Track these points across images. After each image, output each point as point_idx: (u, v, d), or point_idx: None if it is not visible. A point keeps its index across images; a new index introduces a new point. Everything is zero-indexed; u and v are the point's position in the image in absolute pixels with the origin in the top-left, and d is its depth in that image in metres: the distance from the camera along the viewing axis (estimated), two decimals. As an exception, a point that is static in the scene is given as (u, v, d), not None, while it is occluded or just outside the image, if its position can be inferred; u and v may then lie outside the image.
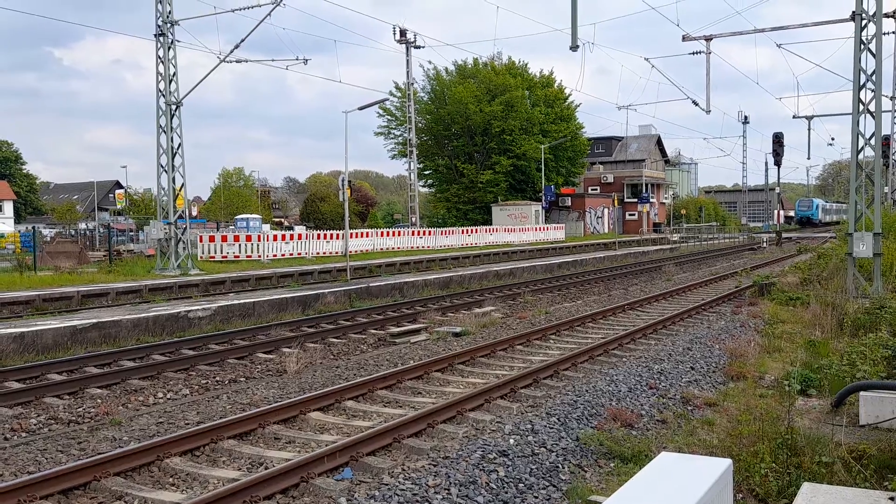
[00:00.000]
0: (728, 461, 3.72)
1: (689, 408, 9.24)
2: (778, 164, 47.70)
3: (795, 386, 9.49)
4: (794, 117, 41.59)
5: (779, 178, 57.27)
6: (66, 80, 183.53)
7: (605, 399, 9.21)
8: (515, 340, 13.58)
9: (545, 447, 7.41)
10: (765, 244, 50.64)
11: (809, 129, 47.31)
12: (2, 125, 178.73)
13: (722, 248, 48.72)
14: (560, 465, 7.10)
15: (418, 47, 45.07)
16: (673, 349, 12.51)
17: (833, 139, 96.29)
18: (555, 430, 7.93)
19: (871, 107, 17.90)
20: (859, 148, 18.09)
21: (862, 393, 8.19)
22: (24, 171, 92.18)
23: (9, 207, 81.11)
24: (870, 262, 18.07)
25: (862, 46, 17.78)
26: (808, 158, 76.26)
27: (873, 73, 17.78)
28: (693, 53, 25.06)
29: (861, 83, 17.89)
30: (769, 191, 76.07)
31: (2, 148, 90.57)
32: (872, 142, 18.02)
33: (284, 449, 7.80)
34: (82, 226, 65.49)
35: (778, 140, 44.80)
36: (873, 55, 17.75)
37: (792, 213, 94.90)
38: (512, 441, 7.47)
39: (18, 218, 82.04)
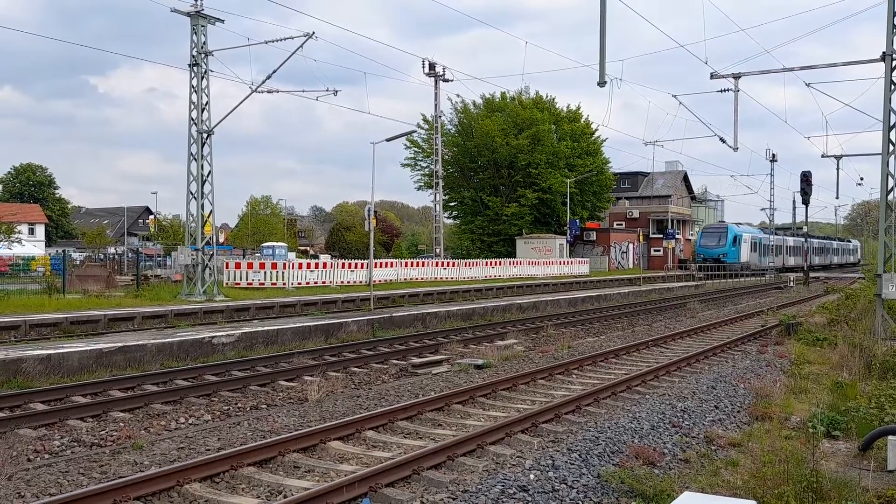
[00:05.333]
0: (752, 503, 3.67)
1: (713, 447, 9.11)
2: (806, 202, 47.37)
3: (821, 428, 9.34)
4: (822, 156, 41.40)
5: (806, 217, 56.81)
6: (100, 107, 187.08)
7: (628, 436, 9.11)
8: (537, 374, 13.50)
9: (566, 483, 7.33)
10: (791, 283, 50.09)
11: (838, 169, 46.70)
12: (38, 151, 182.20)
13: (748, 286, 48.21)
14: (580, 503, 7.02)
15: (447, 80, 45.53)
16: (697, 387, 12.37)
17: (862, 179, 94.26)
18: (576, 466, 7.86)
19: (902, 147, 17.76)
20: (889, 188, 17.93)
21: (890, 437, 8.03)
22: (57, 196, 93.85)
23: (40, 231, 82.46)
24: (899, 304, 17.81)
25: (892, 87, 17.71)
26: (837, 198, 72.21)
27: (903, 113, 17.67)
28: (721, 91, 25.00)
29: (891, 123, 17.79)
30: (797, 230, 74.48)
31: (36, 172, 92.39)
32: (902, 182, 17.85)
33: (304, 478, 7.80)
34: (111, 250, 66.36)
35: (806, 179, 44.53)
36: (903, 95, 17.66)
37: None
38: (532, 476, 7.41)
39: (49, 241, 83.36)
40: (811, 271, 69.26)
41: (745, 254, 58.79)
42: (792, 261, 72.38)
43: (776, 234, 70.64)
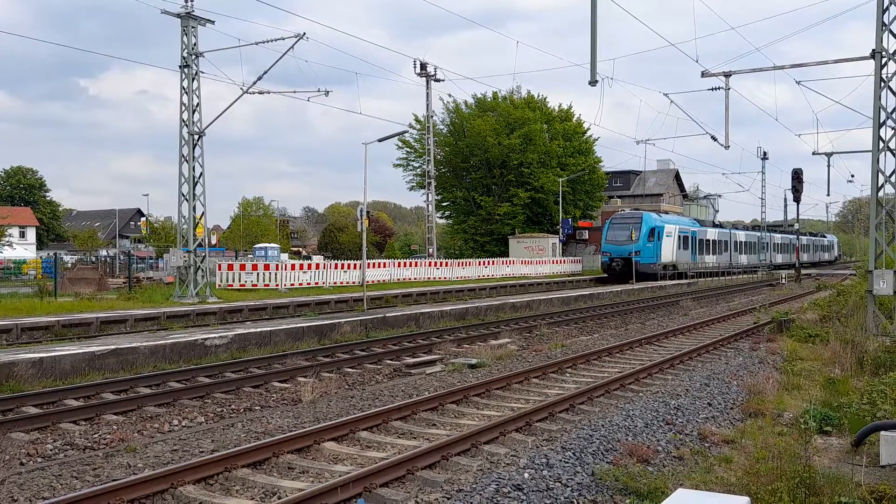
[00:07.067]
0: (746, 499, 3.69)
1: (707, 444, 9.14)
2: (797, 200, 47.54)
3: (814, 424, 9.37)
4: (813, 154, 41.51)
5: (798, 215, 57.09)
6: (91, 110, 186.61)
7: (622, 434, 9.13)
8: (531, 373, 13.51)
9: (560, 482, 7.35)
10: (784, 280, 50.25)
11: (829, 166, 46.85)
12: (29, 153, 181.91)
13: (740, 284, 48.35)
14: (575, 501, 7.03)
15: (438, 80, 45.51)
16: (690, 385, 12.40)
17: (853, 176, 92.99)
18: (570, 464, 7.87)
19: (892, 144, 17.86)
20: (879, 185, 18.01)
21: (883, 433, 8.07)
22: (48, 199, 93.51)
23: (31, 234, 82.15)
24: (890, 300, 17.90)
25: (882, 84, 17.79)
26: (828, 195, 70.19)
27: (893, 110, 17.76)
28: (712, 89, 25.09)
29: (881, 121, 17.87)
30: (788, 227, 73.78)
31: (27, 175, 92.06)
32: (893, 179, 17.95)
33: (298, 479, 7.78)
34: (103, 253, 66.12)
35: (797, 176, 44.73)
36: (893, 93, 17.74)
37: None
38: (527, 475, 7.42)
39: (41, 244, 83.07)
40: (766, 270, 63.17)
41: (668, 251, 46.62)
42: (744, 259, 62.08)
43: (721, 227, 59.92)
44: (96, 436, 9.71)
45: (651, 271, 44.12)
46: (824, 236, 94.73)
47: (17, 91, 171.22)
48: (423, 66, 44.66)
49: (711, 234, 55.34)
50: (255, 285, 31.75)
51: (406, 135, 52.09)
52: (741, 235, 62.17)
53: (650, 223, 45.17)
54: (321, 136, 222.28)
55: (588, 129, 61.58)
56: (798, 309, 26.17)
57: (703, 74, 23.66)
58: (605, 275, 45.68)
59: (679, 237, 48.42)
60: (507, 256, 51.34)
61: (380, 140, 26.56)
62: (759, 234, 67.46)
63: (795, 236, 69.29)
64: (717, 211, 62.94)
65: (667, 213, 56.50)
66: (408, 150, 58.15)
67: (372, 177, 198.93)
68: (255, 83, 26.79)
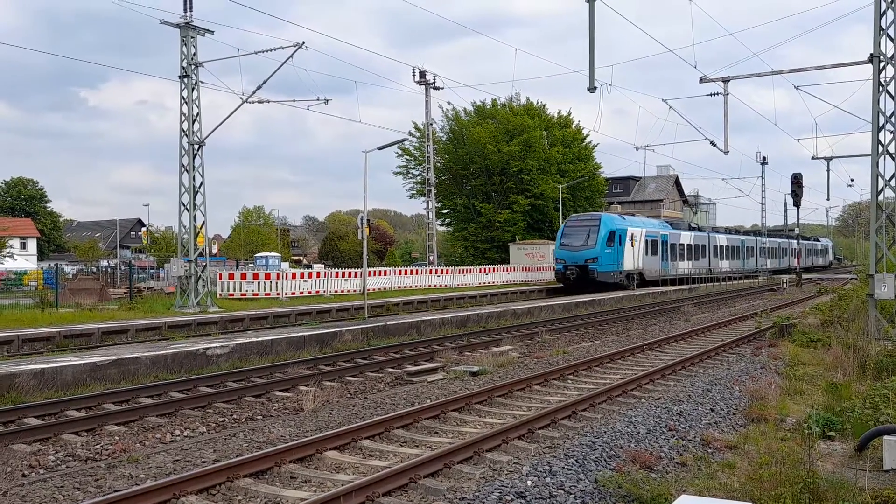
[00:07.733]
0: (748, 505, 3.68)
1: (709, 450, 9.12)
2: (797, 204, 47.59)
3: (817, 429, 9.36)
4: (812, 158, 41.48)
5: (798, 219, 57.00)
6: (91, 120, 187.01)
7: (624, 440, 9.11)
8: (533, 380, 13.50)
9: (563, 489, 7.33)
10: (784, 285, 50.22)
11: (828, 170, 46.79)
12: (29, 164, 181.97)
13: (741, 289, 48.33)
14: (578, 508, 7.01)
15: (437, 88, 45.62)
16: (692, 390, 12.38)
17: (852, 180, 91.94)
18: (573, 471, 7.85)
19: (891, 148, 17.87)
20: (879, 189, 18.02)
21: (886, 437, 8.05)
22: (48, 210, 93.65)
23: (32, 245, 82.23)
24: (892, 304, 17.88)
25: (880, 88, 17.81)
26: (828, 199, 68.54)
27: (892, 114, 17.77)
28: (711, 95, 25.10)
29: (880, 125, 17.88)
30: (788, 231, 73.25)
31: (27, 186, 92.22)
32: (892, 183, 17.95)
33: (300, 488, 7.77)
34: (104, 263, 66.17)
35: (797, 181, 44.80)
36: (892, 97, 17.76)
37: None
38: (529, 483, 7.40)
39: (41, 255, 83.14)
40: (767, 275, 60.70)
41: (632, 258, 41.60)
42: (726, 265, 57.32)
43: (699, 230, 54.69)
44: (98, 447, 9.69)
45: (611, 280, 39.69)
46: (818, 240, 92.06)
47: (17, 101, 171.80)
48: (423, 73, 44.78)
49: (686, 237, 50.54)
50: (256, 294, 31.75)
51: (406, 143, 52.22)
52: (722, 239, 57.74)
53: (610, 226, 40.52)
54: (321, 145, 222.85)
55: (587, 135, 61.70)
56: (799, 314, 26.14)
57: (702, 80, 23.67)
58: (560, 284, 40.99)
59: (646, 242, 43.80)
60: (508, 263, 51.35)
61: (380, 148, 26.57)
62: (742, 237, 63.60)
63: (786, 240, 67.16)
64: (694, 213, 61.06)
65: (633, 215, 52.49)
66: (408, 158, 58.30)
67: (372, 185, 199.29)
68: (254, 92, 26.86)
